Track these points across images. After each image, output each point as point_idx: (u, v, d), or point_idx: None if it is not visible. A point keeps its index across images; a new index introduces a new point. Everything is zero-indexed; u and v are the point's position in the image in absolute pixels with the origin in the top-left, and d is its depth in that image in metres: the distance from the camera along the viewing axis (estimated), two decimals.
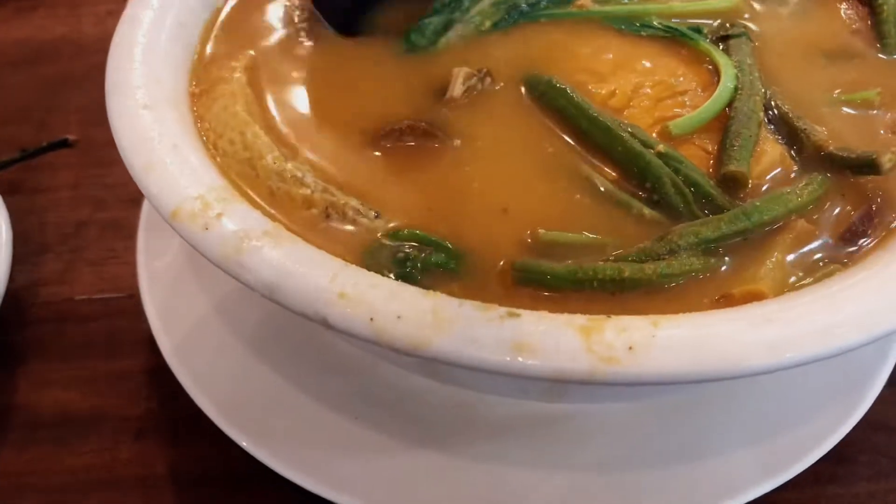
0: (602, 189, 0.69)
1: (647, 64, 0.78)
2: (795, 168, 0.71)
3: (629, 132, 0.71)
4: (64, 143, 1.06)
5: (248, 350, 0.83)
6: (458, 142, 0.72)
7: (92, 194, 1.06)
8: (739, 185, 0.69)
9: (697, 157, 0.70)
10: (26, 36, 1.28)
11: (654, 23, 0.81)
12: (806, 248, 0.66)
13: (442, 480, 0.75)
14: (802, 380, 0.81)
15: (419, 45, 0.80)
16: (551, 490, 0.75)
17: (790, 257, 0.65)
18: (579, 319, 0.56)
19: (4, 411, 0.86)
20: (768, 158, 0.70)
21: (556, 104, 0.74)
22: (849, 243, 0.66)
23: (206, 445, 0.81)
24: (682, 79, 0.77)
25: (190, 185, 0.64)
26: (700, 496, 0.74)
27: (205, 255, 0.61)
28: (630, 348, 0.54)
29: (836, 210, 0.69)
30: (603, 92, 0.75)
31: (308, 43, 0.81)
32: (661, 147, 0.70)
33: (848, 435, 0.78)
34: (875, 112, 0.76)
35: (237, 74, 0.77)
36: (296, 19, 0.83)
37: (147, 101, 0.70)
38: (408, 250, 0.65)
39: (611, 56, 0.79)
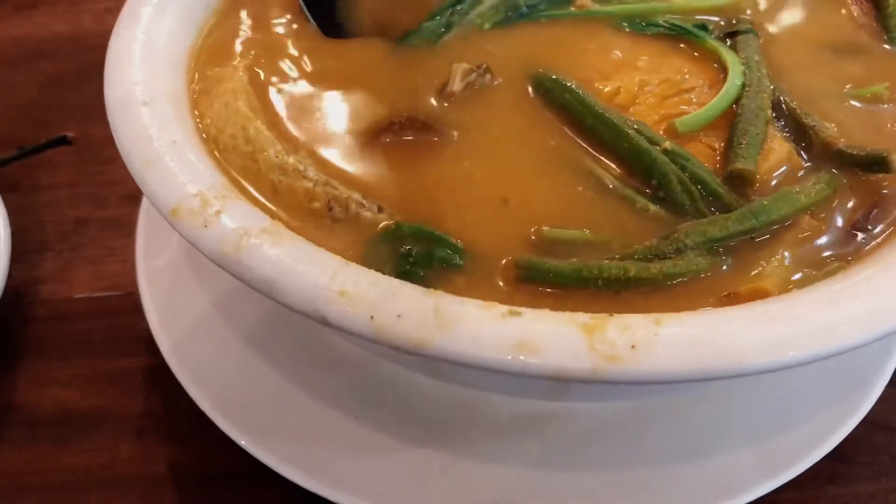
0: (607, 186, 0.69)
1: (653, 61, 0.78)
2: (804, 165, 0.71)
3: (635, 129, 0.70)
4: (63, 141, 1.06)
5: (248, 348, 0.83)
6: (458, 136, 0.72)
7: (91, 192, 1.06)
8: (746, 183, 0.68)
9: (704, 155, 0.70)
10: (25, 33, 1.28)
11: (660, 21, 0.81)
12: (811, 246, 0.66)
13: (443, 479, 0.75)
14: (804, 379, 0.80)
15: (418, 45, 0.79)
16: (553, 489, 0.75)
17: (796, 255, 0.65)
18: (582, 317, 0.56)
19: (4, 410, 0.86)
20: (776, 156, 0.70)
21: (561, 100, 0.73)
22: (854, 241, 0.66)
23: (206, 444, 0.81)
24: (688, 76, 0.76)
25: (189, 182, 0.64)
26: (701, 495, 0.74)
27: (204, 253, 0.61)
28: (633, 347, 0.54)
29: (843, 207, 0.68)
30: (608, 89, 0.75)
31: (308, 41, 0.81)
32: (667, 144, 0.69)
33: (849, 435, 0.77)
34: (884, 107, 0.75)
35: (239, 73, 0.76)
36: (295, 20, 0.83)
37: (146, 98, 0.69)
38: (410, 245, 0.64)
39: (615, 54, 0.79)
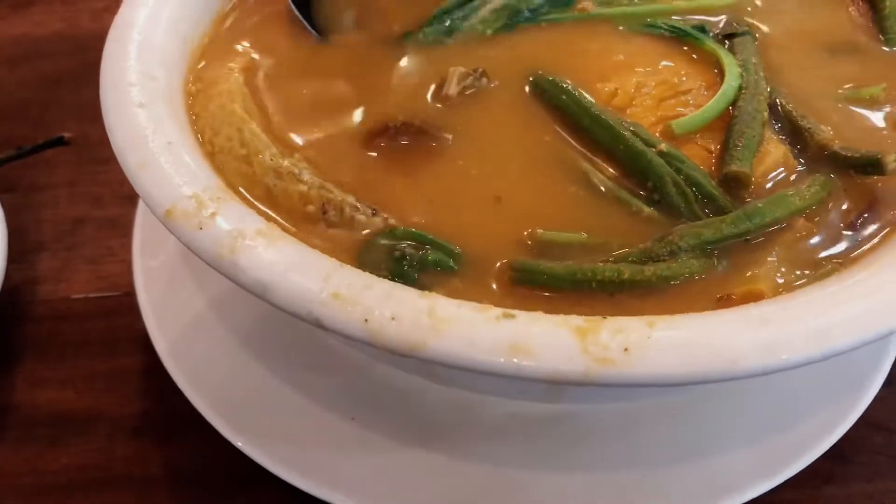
0: (602, 188, 0.69)
1: (650, 63, 0.78)
2: (799, 168, 0.71)
3: (631, 131, 0.70)
4: (60, 141, 1.06)
5: (244, 349, 0.83)
6: (453, 139, 0.72)
7: (88, 192, 1.06)
8: (742, 186, 0.68)
9: (700, 157, 0.70)
10: (22, 32, 1.28)
11: (658, 22, 0.81)
12: (806, 248, 0.66)
13: (439, 481, 0.75)
14: (800, 379, 0.80)
15: (417, 50, 0.79)
16: (549, 490, 0.75)
17: (790, 257, 0.65)
18: (575, 320, 0.56)
19: (0, 410, 0.86)
20: (772, 158, 0.70)
21: (558, 102, 0.73)
22: (848, 243, 0.66)
23: (202, 445, 0.81)
24: (685, 78, 0.76)
25: (184, 183, 0.64)
26: (697, 496, 0.74)
27: (199, 255, 0.61)
28: (625, 349, 0.54)
29: (838, 210, 0.68)
30: (605, 91, 0.75)
31: (303, 44, 0.81)
32: (663, 146, 0.69)
33: (846, 435, 0.77)
34: (880, 109, 0.75)
35: (234, 74, 0.76)
36: (290, 22, 0.83)
37: (142, 100, 0.69)
38: (405, 248, 0.64)
39: (613, 55, 0.79)
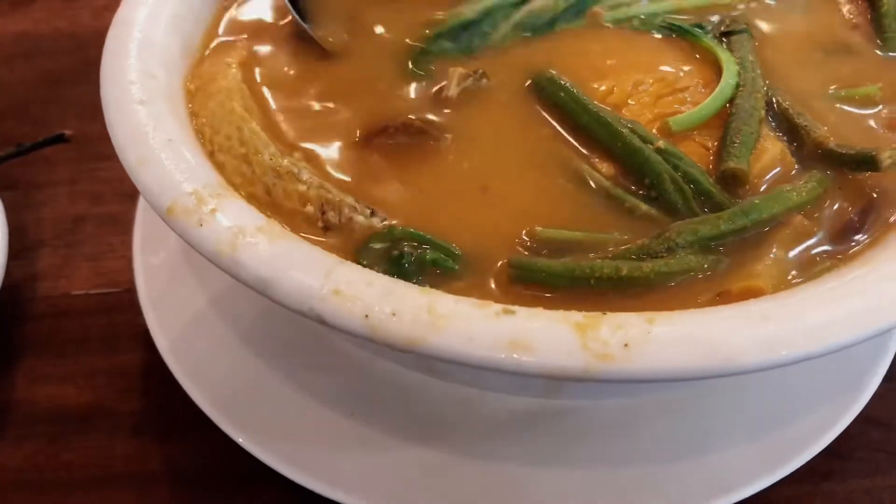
0: (600, 185, 0.69)
1: (648, 60, 0.78)
2: (796, 165, 0.71)
3: (629, 128, 0.70)
4: (60, 138, 1.06)
5: (244, 346, 0.83)
6: (452, 138, 0.72)
7: (88, 189, 1.06)
8: (739, 183, 0.68)
9: (697, 154, 0.70)
10: (23, 30, 1.28)
11: (657, 20, 0.81)
12: (803, 245, 0.66)
13: (439, 477, 0.75)
14: (799, 375, 0.80)
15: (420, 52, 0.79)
16: (548, 487, 0.75)
17: (788, 254, 0.65)
18: (575, 316, 0.56)
19: (1, 407, 0.86)
20: (769, 155, 0.70)
21: (556, 99, 0.74)
22: (846, 240, 0.66)
23: (202, 441, 0.81)
24: (682, 75, 0.77)
25: (184, 180, 0.64)
26: (696, 492, 0.74)
27: (199, 251, 0.61)
28: (625, 345, 0.54)
29: (835, 207, 0.68)
30: (603, 88, 0.75)
31: (303, 42, 0.81)
32: (660, 143, 0.69)
33: (845, 431, 0.78)
34: (876, 108, 0.76)
35: (233, 70, 0.76)
36: (290, 20, 0.83)
37: (142, 97, 0.69)
38: (403, 248, 0.64)
39: (610, 53, 0.79)
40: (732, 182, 0.69)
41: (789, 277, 0.64)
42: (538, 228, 0.66)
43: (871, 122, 0.75)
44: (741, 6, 0.84)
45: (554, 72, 0.75)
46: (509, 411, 0.79)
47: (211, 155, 0.70)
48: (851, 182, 0.70)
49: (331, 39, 0.80)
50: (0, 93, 1.18)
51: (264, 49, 0.80)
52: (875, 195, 0.69)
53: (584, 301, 0.61)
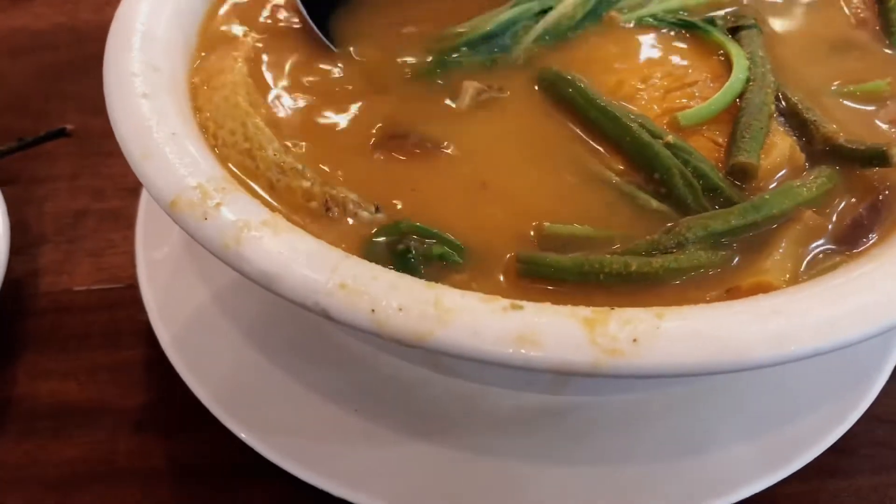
0: (609, 181, 0.69)
1: (657, 55, 0.78)
2: (805, 160, 0.70)
3: (638, 123, 0.70)
4: (62, 133, 1.05)
5: (248, 341, 0.82)
6: (460, 135, 0.72)
7: (90, 184, 1.06)
8: (749, 177, 0.68)
9: (707, 149, 0.70)
10: (24, 24, 1.27)
11: (667, 16, 0.81)
12: (813, 240, 0.66)
13: (443, 472, 0.75)
14: (806, 372, 0.80)
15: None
16: (552, 483, 0.75)
17: (798, 249, 0.65)
18: (583, 311, 0.55)
19: (2, 402, 0.86)
20: (778, 150, 0.70)
21: (564, 94, 0.73)
22: (855, 235, 0.66)
23: (205, 437, 0.81)
24: (691, 70, 0.76)
25: (189, 174, 0.63)
26: (702, 489, 0.74)
27: (204, 246, 0.60)
28: (634, 340, 0.54)
29: (844, 202, 0.68)
30: (611, 83, 0.75)
31: (312, 39, 0.80)
32: (669, 138, 0.69)
33: (851, 428, 0.77)
34: (885, 103, 0.75)
35: (238, 64, 0.76)
36: (295, 14, 0.82)
37: (145, 90, 0.69)
38: (409, 242, 0.64)
39: (619, 48, 0.79)
40: (742, 177, 0.68)
41: (799, 273, 0.63)
42: (546, 224, 0.65)
43: (880, 118, 0.74)
44: (747, 1, 0.84)
45: (559, 70, 0.75)
46: (515, 407, 0.79)
47: (215, 150, 0.69)
48: (860, 178, 0.69)
49: (351, 49, 0.80)
50: (1, 87, 1.17)
51: (271, 44, 0.80)
52: (885, 191, 0.68)
53: (592, 296, 0.61)
